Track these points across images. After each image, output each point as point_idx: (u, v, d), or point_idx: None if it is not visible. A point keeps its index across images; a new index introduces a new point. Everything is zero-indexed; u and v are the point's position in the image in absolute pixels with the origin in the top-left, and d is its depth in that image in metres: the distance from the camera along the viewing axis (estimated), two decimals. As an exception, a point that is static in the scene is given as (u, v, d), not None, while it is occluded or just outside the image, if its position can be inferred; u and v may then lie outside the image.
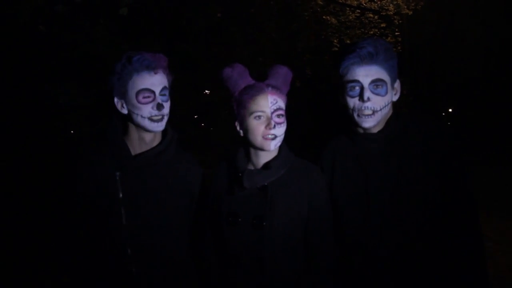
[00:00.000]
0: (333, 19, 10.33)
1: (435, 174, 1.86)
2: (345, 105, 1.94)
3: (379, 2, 10.34)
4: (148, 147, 1.95)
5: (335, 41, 10.42)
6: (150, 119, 1.87)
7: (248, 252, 1.83)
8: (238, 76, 1.91)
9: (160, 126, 1.90)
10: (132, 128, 1.94)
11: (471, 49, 12.24)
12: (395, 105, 2.01)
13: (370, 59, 1.85)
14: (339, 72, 1.94)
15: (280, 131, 1.85)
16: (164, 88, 1.90)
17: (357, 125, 1.93)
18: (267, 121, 1.83)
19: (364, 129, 1.92)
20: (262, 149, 1.87)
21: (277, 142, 1.86)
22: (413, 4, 10.23)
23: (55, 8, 4.39)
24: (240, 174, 1.86)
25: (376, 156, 1.93)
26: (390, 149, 1.91)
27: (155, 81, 1.87)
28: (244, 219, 1.84)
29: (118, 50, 6.09)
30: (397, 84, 1.96)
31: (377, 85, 1.86)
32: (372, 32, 10.44)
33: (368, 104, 1.86)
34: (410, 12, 10.37)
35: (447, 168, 1.86)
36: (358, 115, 1.89)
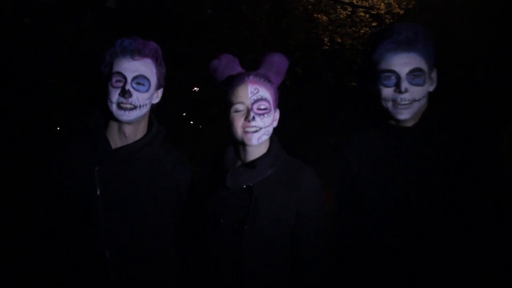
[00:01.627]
0: (324, 17, 10.30)
1: (474, 176, 1.71)
2: (378, 94, 1.79)
3: (370, 1, 10.33)
4: (129, 141, 1.84)
5: (326, 39, 10.38)
6: (118, 105, 1.76)
7: (227, 255, 1.71)
8: (225, 66, 1.81)
9: (127, 116, 1.77)
10: (111, 119, 1.83)
11: (462, 49, 12.31)
12: (429, 99, 1.85)
13: (408, 45, 1.71)
14: (372, 58, 1.79)
15: (262, 122, 1.71)
16: (140, 77, 1.77)
17: (390, 116, 1.79)
18: (247, 113, 1.70)
19: (398, 121, 1.79)
20: (245, 144, 1.73)
21: (261, 135, 1.71)
22: (404, 4, 10.20)
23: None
24: (225, 173, 1.75)
25: (409, 151, 1.78)
26: (425, 145, 1.77)
27: (131, 67, 1.76)
28: (226, 221, 1.73)
29: (106, 44, 5.98)
30: (434, 74, 1.82)
31: (415, 75, 1.72)
32: (363, 31, 10.43)
33: (405, 95, 1.72)
34: (402, 12, 10.34)
35: (487, 170, 1.72)
36: (393, 106, 1.75)
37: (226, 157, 1.81)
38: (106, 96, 1.78)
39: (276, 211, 1.71)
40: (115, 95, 1.76)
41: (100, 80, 1.83)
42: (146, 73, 1.80)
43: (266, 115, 1.72)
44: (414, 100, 1.73)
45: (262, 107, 1.72)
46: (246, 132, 1.71)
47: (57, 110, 6.07)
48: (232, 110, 1.73)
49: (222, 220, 1.73)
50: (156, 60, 1.84)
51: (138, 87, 1.78)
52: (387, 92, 1.75)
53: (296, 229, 1.74)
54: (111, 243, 1.75)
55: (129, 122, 1.81)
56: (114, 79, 1.76)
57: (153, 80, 1.84)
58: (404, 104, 1.73)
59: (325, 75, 10.87)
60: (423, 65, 1.73)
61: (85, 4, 6.02)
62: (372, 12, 10.35)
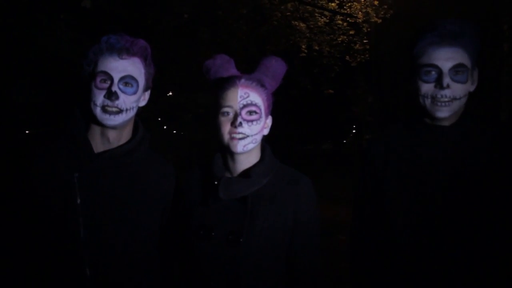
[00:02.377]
0: (302, 24, 10.32)
1: (507, 182, 1.60)
2: (416, 90, 1.69)
3: (348, 10, 10.40)
4: (112, 147, 1.68)
5: (303, 46, 10.40)
6: (103, 108, 1.59)
7: (221, 272, 1.57)
8: (219, 67, 1.69)
9: (112, 120, 1.61)
10: (93, 122, 1.66)
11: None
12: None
13: (453, 39, 1.61)
14: (413, 53, 1.68)
15: (250, 130, 1.59)
16: (127, 77, 1.62)
17: (427, 114, 1.68)
18: (234, 118, 1.59)
19: (434, 119, 1.68)
20: (231, 152, 1.61)
21: (248, 143, 1.60)
22: (382, 13, 10.31)
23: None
24: (216, 183, 1.61)
25: (443, 153, 1.67)
26: (462, 147, 1.66)
27: (118, 66, 1.61)
28: (218, 233, 1.58)
29: (79, 47, 5.87)
30: (476, 73, 1.72)
31: (457, 71, 1.62)
32: (340, 39, 10.49)
33: (446, 91, 1.61)
34: (379, 21, 10.45)
35: None
36: (432, 103, 1.64)
37: (215, 166, 1.67)
38: (89, 98, 1.62)
39: (273, 221, 1.60)
40: (99, 97, 1.59)
41: (81, 80, 1.67)
42: (134, 73, 1.65)
43: (254, 122, 1.61)
44: (455, 98, 1.63)
45: (253, 113, 1.61)
46: (232, 138, 1.59)
47: (25, 114, 5.85)
48: (219, 114, 1.62)
49: (213, 233, 1.59)
50: (145, 60, 1.69)
51: (126, 88, 1.62)
52: (427, 88, 1.65)
53: (293, 239, 1.63)
54: (92, 258, 1.57)
55: (114, 127, 1.66)
56: (98, 79, 1.60)
57: (141, 81, 1.68)
58: (444, 101, 1.63)
59: (303, 82, 10.88)
60: (467, 61, 1.63)
61: (59, 5, 5.85)
62: (350, 20, 10.43)
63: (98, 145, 1.68)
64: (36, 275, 1.59)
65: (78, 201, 1.58)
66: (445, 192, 1.63)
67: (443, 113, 1.64)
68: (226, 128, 1.60)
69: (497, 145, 1.66)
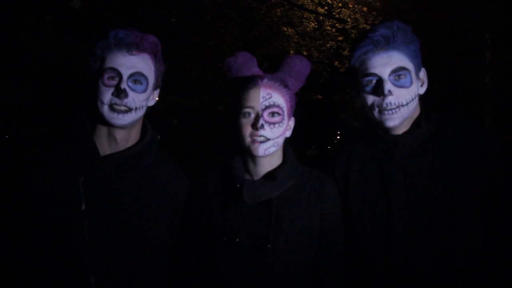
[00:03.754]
0: (291, 29, 10.32)
1: (478, 184, 1.53)
2: (363, 104, 1.62)
3: (337, 16, 10.44)
4: (119, 148, 1.59)
5: (292, 51, 10.39)
6: (111, 107, 1.51)
7: (247, 279, 1.49)
8: (241, 65, 1.62)
9: (121, 120, 1.52)
10: (100, 122, 1.57)
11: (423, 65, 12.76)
12: (422, 102, 1.68)
13: (386, 43, 1.54)
14: (351, 64, 1.62)
15: (271, 133, 1.52)
16: (137, 74, 1.54)
17: (378, 125, 1.62)
18: (256, 120, 1.52)
19: (387, 129, 1.61)
20: (251, 155, 1.55)
21: (269, 146, 1.53)
22: (371, 19, 10.37)
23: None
24: (238, 186, 1.54)
25: (401, 163, 1.59)
26: (419, 154, 1.58)
27: (127, 62, 1.53)
28: (243, 239, 1.51)
29: (65, 49, 5.77)
30: (422, 74, 1.64)
31: (399, 75, 1.55)
32: (329, 45, 10.52)
33: (390, 98, 1.54)
34: (368, 27, 10.50)
35: (495, 176, 1.53)
36: (379, 112, 1.57)
37: (236, 169, 1.60)
38: (95, 95, 1.53)
39: (300, 225, 1.53)
40: (107, 95, 1.51)
41: (88, 77, 1.59)
42: (144, 70, 1.57)
43: (277, 125, 1.54)
44: (401, 105, 1.56)
45: (275, 114, 1.54)
46: (253, 141, 1.52)
47: (8, 117, 5.72)
48: (240, 115, 1.55)
49: (238, 239, 1.51)
50: (155, 56, 1.62)
51: (135, 86, 1.54)
52: (372, 99, 1.59)
53: (320, 243, 1.57)
54: (97, 266, 1.48)
55: (123, 127, 1.57)
56: (106, 76, 1.52)
57: (151, 79, 1.60)
58: (391, 109, 1.55)
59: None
60: (406, 63, 1.56)
61: (45, 6, 5.75)
62: (339, 26, 10.46)
63: (105, 147, 1.59)
64: (40, 283, 1.51)
65: (83, 206, 1.49)
66: (406, 204, 1.56)
67: (393, 121, 1.57)
68: (247, 130, 1.54)
69: (460, 148, 1.58)
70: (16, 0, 4.27)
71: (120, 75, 1.52)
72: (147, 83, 1.58)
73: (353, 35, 10.69)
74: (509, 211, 1.55)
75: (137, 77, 1.55)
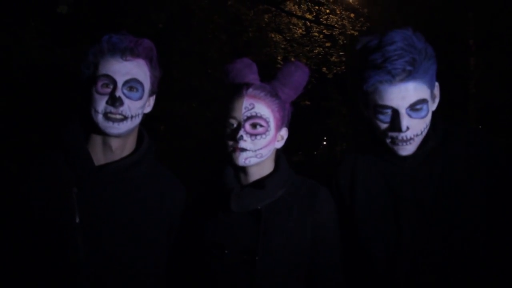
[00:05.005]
0: (278, 35, 10.36)
1: (485, 192, 1.48)
2: (374, 126, 1.53)
3: (325, 22, 10.51)
4: (115, 158, 1.52)
5: (279, 57, 10.42)
6: (105, 115, 1.44)
7: None
8: (237, 73, 1.55)
9: (116, 129, 1.46)
10: (94, 131, 1.51)
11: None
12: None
13: (406, 75, 1.40)
14: (362, 87, 1.48)
15: (252, 144, 1.46)
16: (132, 81, 1.47)
17: (389, 149, 1.53)
18: (237, 130, 1.47)
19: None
20: (234, 164, 1.50)
21: (250, 156, 1.47)
22: (358, 25, 10.45)
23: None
24: (226, 194, 1.48)
25: (409, 174, 1.53)
26: (427, 166, 1.52)
27: (121, 68, 1.46)
28: (232, 251, 1.46)
29: (50, 55, 5.69)
30: (436, 89, 1.53)
31: (416, 109, 1.44)
32: (316, 51, 10.57)
33: (407, 133, 1.45)
34: (356, 33, 10.57)
35: (501, 184, 1.48)
36: (393, 143, 1.49)
37: (227, 177, 1.54)
38: (89, 104, 1.46)
39: (290, 236, 1.47)
40: (101, 103, 1.44)
41: (79, 84, 1.51)
42: (140, 76, 1.50)
43: (259, 137, 1.47)
44: (417, 135, 1.48)
45: (257, 126, 1.47)
46: (234, 150, 1.47)
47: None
48: (225, 124, 1.51)
49: (226, 251, 1.46)
50: (150, 62, 1.54)
51: (130, 93, 1.47)
52: (384, 127, 1.48)
53: (314, 255, 1.50)
54: (93, 280, 1.41)
55: (118, 136, 1.50)
56: (100, 83, 1.45)
57: (147, 85, 1.53)
58: (406, 141, 1.47)
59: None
60: (425, 93, 1.44)
61: (30, 10, 5.66)
62: (326, 32, 10.53)
63: (99, 156, 1.52)
64: None
65: (77, 219, 1.42)
66: (414, 214, 1.50)
67: (406, 151, 1.49)
68: (229, 139, 1.48)
69: (469, 158, 1.52)
70: (1, 6, 4.18)
71: (114, 82, 1.46)
72: (143, 89, 1.51)
73: (340, 41, 10.77)
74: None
75: (132, 84, 1.48)
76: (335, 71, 11.22)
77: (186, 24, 8.50)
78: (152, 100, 1.62)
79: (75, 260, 1.40)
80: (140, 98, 1.50)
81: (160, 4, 7.26)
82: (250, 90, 1.49)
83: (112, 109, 1.44)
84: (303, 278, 1.51)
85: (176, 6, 7.26)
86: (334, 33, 10.46)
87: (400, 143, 1.48)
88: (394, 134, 1.47)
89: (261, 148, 1.48)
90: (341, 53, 11.08)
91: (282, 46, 10.47)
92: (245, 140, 1.45)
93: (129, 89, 1.47)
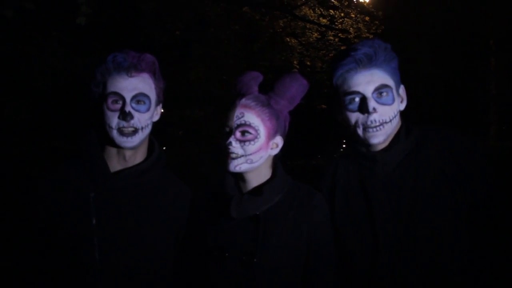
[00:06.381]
0: (294, 40, 10.39)
1: (460, 195, 1.55)
2: (347, 121, 1.64)
3: (340, 26, 10.50)
4: (128, 165, 1.65)
5: (295, 62, 10.44)
6: (119, 131, 1.58)
7: None
8: (244, 85, 1.67)
9: (130, 142, 1.59)
10: (108, 143, 1.64)
11: (426, 73, 12.73)
12: (403, 117, 1.70)
13: (368, 61, 1.56)
14: (333, 83, 1.64)
15: (242, 150, 1.58)
16: (140, 95, 1.60)
17: (362, 142, 1.64)
18: (228, 136, 1.59)
19: (369, 146, 1.64)
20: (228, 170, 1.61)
21: (241, 163, 1.59)
22: (373, 28, 10.43)
23: (4, 13, 4.03)
24: (227, 201, 1.59)
25: (384, 180, 1.61)
26: (401, 171, 1.60)
27: (128, 85, 1.58)
28: (232, 254, 1.56)
29: (71, 64, 5.85)
30: (402, 90, 1.67)
31: (381, 93, 1.57)
32: (332, 55, 10.56)
33: (374, 116, 1.56)
34: (371, 36, 10.55)
35: (477, 186, 1.55)
36: (364, 130, 1.59)
37: (227, 184, 1.65)
38: (103, 120, 1.60)
39: (287, 240, 1.57)
40: (113, 120, 1.58)
41: (91, 102, 1.65)
42: (145, 90, 1.63)
43: (247, 143, 1.58)
44: (385, 122, 1.58)
45: (246, 133, 1.59)
46: (226, 157, 1.60)
47: (17, 131, 5.79)
48: (222, 132, 1.63)
49: (227, 254, 1.56)
50: (154, 74, 1.67)
51: (139, 106, 1.60)
52: (355, 116, 1.60)
53: (309, 257, 1.61)
54: (106, 277, 1.53)
55: (133, 148, 1.64)
56: (110, 101, 1.58)
57: (153, 97, 1.67)
58: (375, 126, 1.57)
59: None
60: (388, 81, 1.59)
61: (52, 22, 5.84)
62: (341, 36, 10.51)
63: (114, 164, 1.65)
64: None
65: (94, 221, 1.55)
66: (389, 221, 1.57)
67: (377, 138, 1.59)
68: (222, 146, 1.60)
69: (444, 160, 1.59)
70: (25, 17, 4.34)
71: (123, 98, 1.58)
72: (150, 101, 1.64)
73: (356, 44, 10.73)
74: (492, 221, 1.57)
75: (140, 98, 1.61)
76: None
77: (203, 31, 8.60)
78: (159, 108, 1.74)
79: (90, 257, 1.53)
80: (148, 109, 1.63)
81: (176, 13, 7.39)
82: (243, 100, 1.61)
83: (124, 124, 1.57)
84: (299, 279, 1.61)
85: (192, 13, 7.37)
86: (349, 37, 10.45)
87: (370, 130, 1.57)
88: (362, 119, 1.57)
89: (251, 154, 1.59)
90: (356, 56, 11.08)
91: (298, 50, 10.49)
92: (234, 146, 1.57)
93: (137, 103, 1.60)
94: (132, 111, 1.58)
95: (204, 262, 1.61)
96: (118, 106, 1.58)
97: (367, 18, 10.44)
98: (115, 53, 1.61)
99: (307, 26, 10.38)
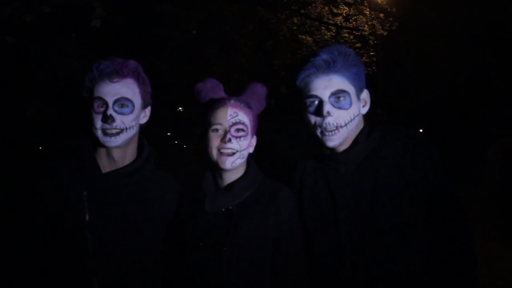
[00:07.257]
0: (309, 38, 10.40)
1: (417, 191, 1.64)
2: (307, 123, 1.76)
3: (354, 23, 10.49)
4: (118, 165, 1.78)
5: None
6: (103, 131, 1.71)
7: (207, 279, 1.69)
8: (209, 90, 1.84)
9: (114, 142, 1.72)
10: (98, 144, 1.77)
11: (441, 70, 12.59)
12: (366, 119, 1.79)
13: (326, 67, 1.66)
14: (296, 86, 1.76)
15: (238, 145, 1.73)
16: (122, 99, 1.72)
17: (322, 144, 1.74)
18: (224, 135, 1.73)
19: (330, 148, 1.73)
20: (219, 167, 1.74)
21: (236, 159, 1.74)
22: (388, 25, 10.40)
23: (24, 18, 4.17)
24: (203, 197, 1.75)
25: (346, 180, 1.71)
26: (362, 170, 1.69)
27: (111, 90, 1.71)
28: (205, 243, 1.71)
29: (89, 65, 5.93)
30: (364, 94, 1.76)
31: (338, 97, 1.66)
32: (347, 52, 10.52)
33: (329, 119, 1.66)
34: (385, 33, 10.53)
35: (431, 181, 1.64)
36: (321, 133, 1.70)
37: (204, 181, 1.81)
38: (90, 122, 1.74)
39: (255, 232, 1.71)
40: (98, 121, 1.71)
41: (84, 106, 1.78)
42: (128, 94, 1.74)
43: (242, 139, 1.74)
44: (340, 126, 1.67)
45: (240, 130, 1.74)
46: (221, 154, 1.72)
47: (38, 131, 5.96)
48: (210, 131, 1.75)
49: (201, 244, 1.71)
50: (137, 79, 1.78)
51: (121, 109, 1.73)
52: (313, 119, 1.72)
53: (276, 250, 1.73)
54: (100, 270, 1.67)
55: (117, 147, 1.76)
56: (95, 105, 1.72)
57: (137, 100, 1.78)
58: (331, 130, 1.67)
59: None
60: (347, 86, 1.67)
61: (70, 24, 5.97)
62: (356, 33, 10.49)
63: (105, 165, 1.78)
64: (47, 285, 1.70)
65: (87, 217, 1.68)
66: (351, 218, 1.66)
67: (333, 142, 1.69)
68: (215, 143, 1.74)
69: (401, 158, 1.66)
70: (43, 19, 4.47)
71: (106, 103, 1.71)
72: (133, 105, 1.76)
73: (370, 41, 10.71)
74: (448, 216, 1.64)
75: (122, 102, 1.73)
76: (366, 71, 11.04)
77: (218, 31, 8.67)
78: (148, 111, 1.87)
79: (84, 250, 1.67)
80: (131, 112, 1.75)
81: (191, 13, 7.47)
82: (232, 101, 1.76)
83: (107, 126, 1.70)
84: (267, 269, 1.73)
85: (207, 13, 7.43)
86: (364, 34, 10.42)
87: (326, 133, 1.67)
88: (319, 121, 1.67)
89: (243, 150, 1.75)
90: (371, 53, 11.08)
91: (314, 48, 10.49)
92: (232, 142, 1.70)
93: (120, 106, 1.72)
94: (114, 114, 1.71)
95: (182, 250, 1.76)
96: (102, 109, 1.72)
97: (381, 15, 10.39)
98: (100, 60, 1.74)
99: (323, 21, 10.37)
